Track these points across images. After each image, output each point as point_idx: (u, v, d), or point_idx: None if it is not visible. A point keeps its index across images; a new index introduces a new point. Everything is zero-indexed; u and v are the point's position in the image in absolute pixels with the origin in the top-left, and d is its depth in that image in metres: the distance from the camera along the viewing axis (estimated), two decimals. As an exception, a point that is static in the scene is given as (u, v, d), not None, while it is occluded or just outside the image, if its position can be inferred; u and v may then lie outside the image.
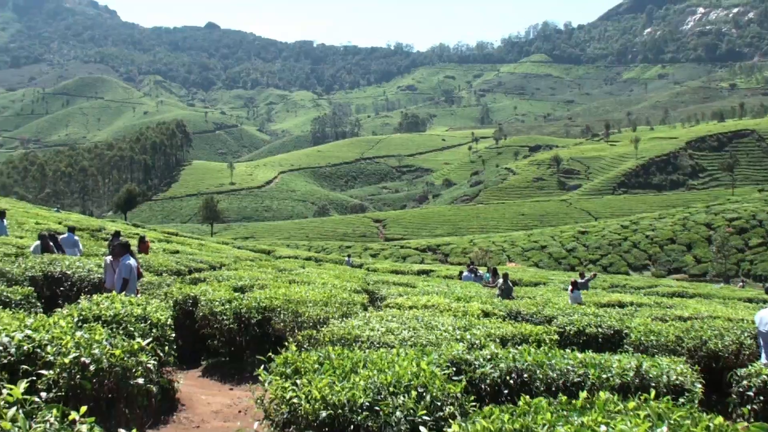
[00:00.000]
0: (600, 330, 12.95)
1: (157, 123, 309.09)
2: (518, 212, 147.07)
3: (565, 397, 5.20)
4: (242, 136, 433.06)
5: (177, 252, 30.89)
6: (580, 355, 7.56)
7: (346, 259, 53.03)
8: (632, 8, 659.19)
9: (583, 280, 27.33)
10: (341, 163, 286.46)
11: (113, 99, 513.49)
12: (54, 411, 3.95)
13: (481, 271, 35.74)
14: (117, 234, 21.42)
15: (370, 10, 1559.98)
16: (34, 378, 5.45)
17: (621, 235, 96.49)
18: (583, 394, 5.18)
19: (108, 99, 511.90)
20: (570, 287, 22.54)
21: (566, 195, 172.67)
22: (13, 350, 5.71)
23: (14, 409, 3.76)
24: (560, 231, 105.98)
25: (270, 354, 6.84)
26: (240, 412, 9.67)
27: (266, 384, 6.20)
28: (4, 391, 4.00)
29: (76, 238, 21.22)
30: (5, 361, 5.62)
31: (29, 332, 6.04)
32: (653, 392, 5.31)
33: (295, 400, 5.57)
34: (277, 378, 6.11)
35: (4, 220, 24.27)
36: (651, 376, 7.20)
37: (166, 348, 8.40)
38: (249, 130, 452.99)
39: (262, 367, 6.55)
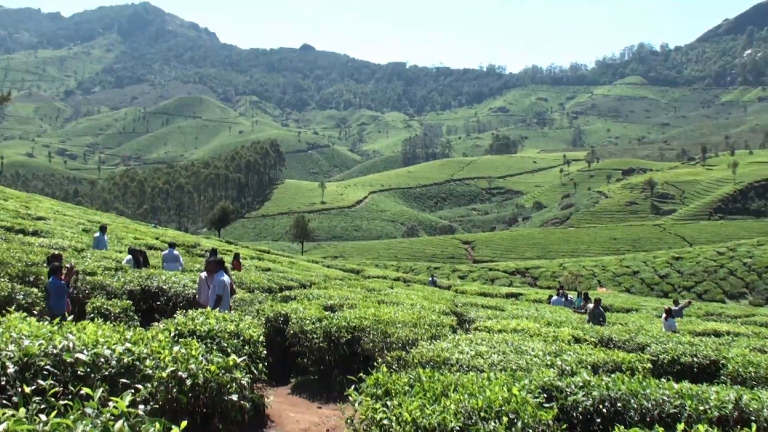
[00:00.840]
0: (695, 359, 12.62)
1: (251, 142, 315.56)
2: (610, 236, 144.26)
3: (662, 429, 5.10)
4: (334, 156, 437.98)
5: (268, 269, 31.37)
6: (676, 386, 7.37)
7: (431, 278, 53.06)
8: (732, 29, 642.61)
9: (677, 308, 26.69)
10: (431, 184, 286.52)
11: (210, 118, 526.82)
12: (157, 425, 4.07)
13: (571, 295, 35.23)
14: (214, 251, 21.90)
15: (463, 31, 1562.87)
16: (133, 390, 5.59)
17: (717, 262, 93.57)
18: (681, 426, 5.07)
19: (205, 118, 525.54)
20: (664, 314, 22.03)
21: (660, 220, 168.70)
22: (114, 362, 5.87)
23: (121, 421, 3.89)
24: (653, 256, 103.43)
25: (360, 374, 6.88)
26: (328, 431, 9.73)
27: (356, 404, 6.24)
28: (110, 404, 4.14)
29: (176, 253, 21.75)
30: (106, 373, 5.78)
31: (129, 345, 6.21)
32: (754, 426, 5.17)
33: (385, 422, 5.58)
34: (368, 399, 6.14)
35: (105, 235, 25.08)
36: (751, 409, 6.96)
37: (259, 365, 8.52)
38: (340, 150, 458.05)
39: (352, 387, 6.59)
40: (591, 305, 23.77)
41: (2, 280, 12.87)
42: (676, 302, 29.04)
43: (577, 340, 13.53)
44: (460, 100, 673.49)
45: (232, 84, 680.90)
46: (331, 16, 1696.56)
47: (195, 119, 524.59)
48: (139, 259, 20.13)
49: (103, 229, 25.41)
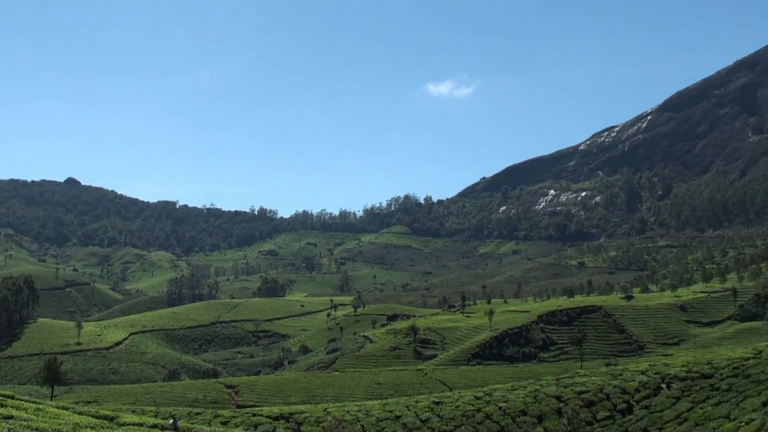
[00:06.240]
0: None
1: (3, 278, 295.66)
2: (374, 381, 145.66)
3: None
4: (94, 294, 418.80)
5: (11, 417, 28.92)
6: None
7: (171, 422, 50.85)
8: (489, 187, 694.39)
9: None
10: (196, 325, 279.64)
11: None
12: None
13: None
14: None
15: (236, 174, 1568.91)
16: None
17: (475, 406, 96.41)
18: None
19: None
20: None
21: (422, 364, 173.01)
22: None
23: None
24: (415, 401, 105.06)
25: None
26: None
27: None
28: None
29: None
30: None
31: None
32: None
33: None
34: None
35: None
36: None
37: None
38: (102, 289, 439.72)
39: None
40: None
41: None
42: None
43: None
44: (230, 242, 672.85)
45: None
46: (101, 150, 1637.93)
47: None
48: None
49: None
